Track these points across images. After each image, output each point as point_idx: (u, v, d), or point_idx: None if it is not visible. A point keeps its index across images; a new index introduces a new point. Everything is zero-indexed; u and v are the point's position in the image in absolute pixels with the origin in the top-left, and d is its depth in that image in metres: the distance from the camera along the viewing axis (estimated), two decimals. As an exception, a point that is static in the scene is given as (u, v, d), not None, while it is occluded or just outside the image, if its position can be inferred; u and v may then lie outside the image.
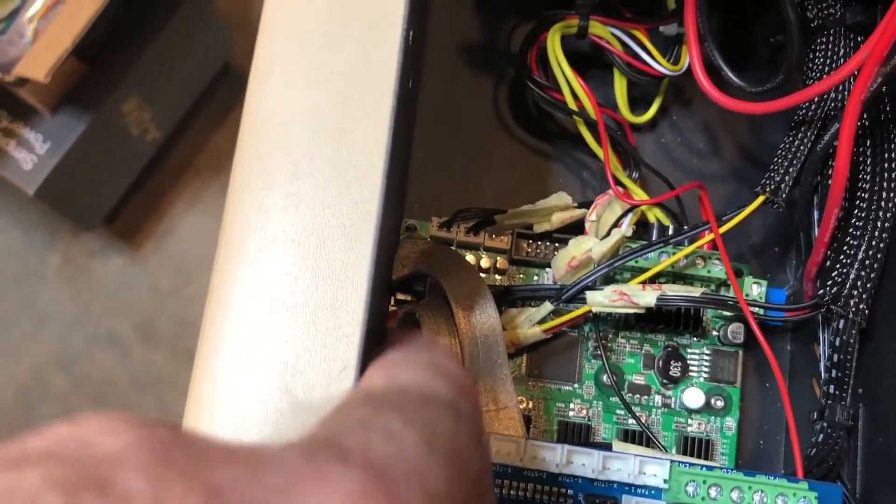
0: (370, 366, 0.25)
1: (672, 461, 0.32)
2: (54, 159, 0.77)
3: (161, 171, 0.96)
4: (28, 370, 0.92)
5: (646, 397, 0.40)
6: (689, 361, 0.40)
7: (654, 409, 0.40)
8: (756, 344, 0.41)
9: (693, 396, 0.40)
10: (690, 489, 0.32)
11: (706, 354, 0.40)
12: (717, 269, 0.39)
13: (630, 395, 0.40)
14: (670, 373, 0.40)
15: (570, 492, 0.33)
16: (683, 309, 0.39)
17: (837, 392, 0.35)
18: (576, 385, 0.40)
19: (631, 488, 0.33)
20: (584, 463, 0.32)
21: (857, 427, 0.36)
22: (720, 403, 0.40)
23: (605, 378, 0.40)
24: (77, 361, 0.93)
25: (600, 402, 0.40)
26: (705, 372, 0.40)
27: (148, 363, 0.94)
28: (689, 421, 0.40)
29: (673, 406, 0.40)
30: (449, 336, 0.34)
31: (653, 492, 0.33)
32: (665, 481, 0.32)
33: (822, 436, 0.36)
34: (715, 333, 0.41)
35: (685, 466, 0.32)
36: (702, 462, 0.33)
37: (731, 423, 0.40)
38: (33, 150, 0.78)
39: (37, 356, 0.93)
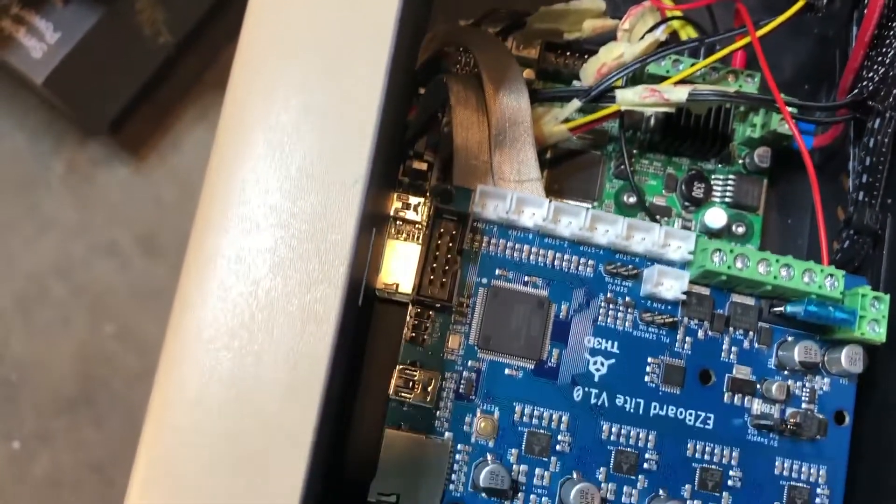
0: None
1: (698, 234, 0.32)
2: (64, 49, 0.76)
3: (169, 84, 0.95)
4: (27, 276, 0.91)
5: (666, 219, 0.39)
6: (712, 184, 0.39)
7: (674, 232, 0.39)
8: (782, 175, 0.40)
9: (715, 216, 0.39)
10: (717, 259, 0.31)
11: (731, 179, 0.40)
12: (750, 85, 0.38)
13: (649, 218, 0.39)
14: (693, 194, 0.39)
15: (590, 262, 0.32)
16: (712, 122, 0.38)
17: (867, 198, 0.35)
18: (595, 203, 0.39)
19: (654, 261, 0.32)
20: (608, 230, 0.31)
21: (884, 237, 0.35)
22: (741, 230, 0.39)
23: (625, 197, 0.39)
24: (76, 269, 0.92)
25: (620, 221, 0.39)
26: (728, 196, 0.39)
27: (148, 275, 0.93)
28: (709, 245, 0.39)
29: (693, 229, 0.39)
30: (477, 110, 0.34)
31: (677, 264, 0.32)
32: (690, 252, 0.31)
33: (847, 242, 0.35)
34: (740, 160, 0.40)
35: (712, 240, 0.31)
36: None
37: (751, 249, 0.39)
38: (43, 38, 0.77)
39: (36, 262, 0.92)
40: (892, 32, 0.34)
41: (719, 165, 0.40)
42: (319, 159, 0.24)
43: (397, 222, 0.38)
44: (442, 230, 0.31)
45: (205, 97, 0.95)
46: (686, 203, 0.39)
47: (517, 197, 0.31)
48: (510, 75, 0.34)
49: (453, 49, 0.35)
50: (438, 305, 0.31)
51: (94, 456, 0.84)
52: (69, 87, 0.79)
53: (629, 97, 0.36)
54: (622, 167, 0.39)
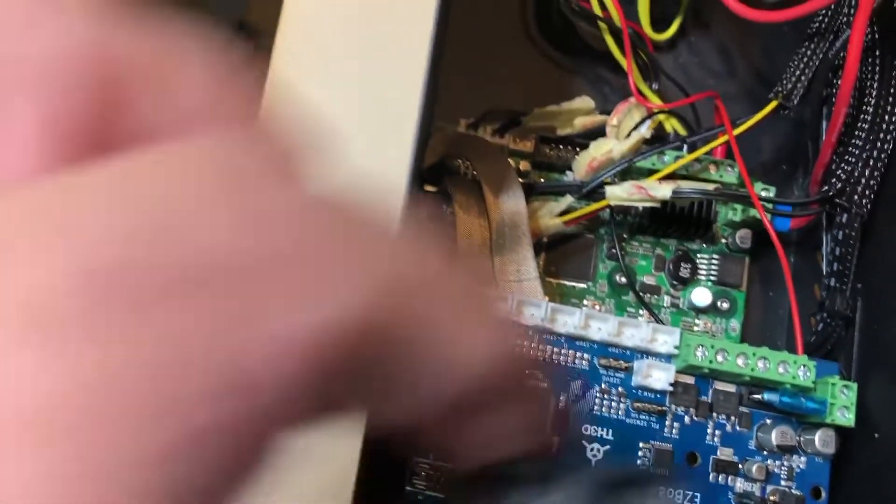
0: None
1: (682, 330, 0.35)
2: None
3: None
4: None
5: (655, 297, 0.42)
6: (698, 264, 0.43)
7: (662, 309, 0.42)
8: (762, 253, 0.43)
9: (701, 295, 0.42)
10: (699, 353, 0.34)
11: (714, 259, 0.43)
12: (730, 175, 0.41)
13: (641, 294, 0.42)
14: (680, 273, 0.42)
15: (585, 356, 0.35)
16: (696, 210, 0.41)
17: (838, 284, 0.38)
18: (590, 283, 0.42)
19: (643, 354, 0.35)
20: (601, 328, 0.35)
21: (854, 319, 0.38)
22: (726, 305, 0.42)
23: (618, 277, 0.42)
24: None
25: (612, 300, 0.42)
26: (713, 275, 0.43)
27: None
28: (696, 321, 0.42)
29: (681, 306, 0.42)
30: (478, 214, 0.37)
31: (664, 358, 0.35)
32: (675, 347, 0.35)
33: (821, 325, 0.38)
34: (724, 241, 0.43)
35: (695, 335, 0.35)
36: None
37: (735, 324, 0.42)
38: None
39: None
40: (857, 133, 0.37)
41: (704, 245, 0.43)
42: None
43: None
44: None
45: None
46: (674, 282, 0.42)
47: (517, 299, 0.34)
48: (507, 182, 0.37)
49: (456, 155, 0.38)
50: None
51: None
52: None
53: (618, 193, 0.39)
54: (613, 250, 0.42)
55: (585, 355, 0.35)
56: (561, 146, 0.43)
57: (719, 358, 0.34)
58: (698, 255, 0.43)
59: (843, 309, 0.38)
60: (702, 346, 0.34)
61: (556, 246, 0.43)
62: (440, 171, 0.40)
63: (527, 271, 0.36)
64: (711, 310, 0.42)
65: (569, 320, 0.35)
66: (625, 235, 0.43)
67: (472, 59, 0.45)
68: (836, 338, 0.38)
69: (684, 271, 0.42)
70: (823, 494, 0.35)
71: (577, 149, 0.42)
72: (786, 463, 0.35)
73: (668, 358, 0.35)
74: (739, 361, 0.34)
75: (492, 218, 0.36)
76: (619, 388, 0.35)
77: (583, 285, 0.42)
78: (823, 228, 0.40)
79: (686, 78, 0.46)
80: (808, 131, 0.41)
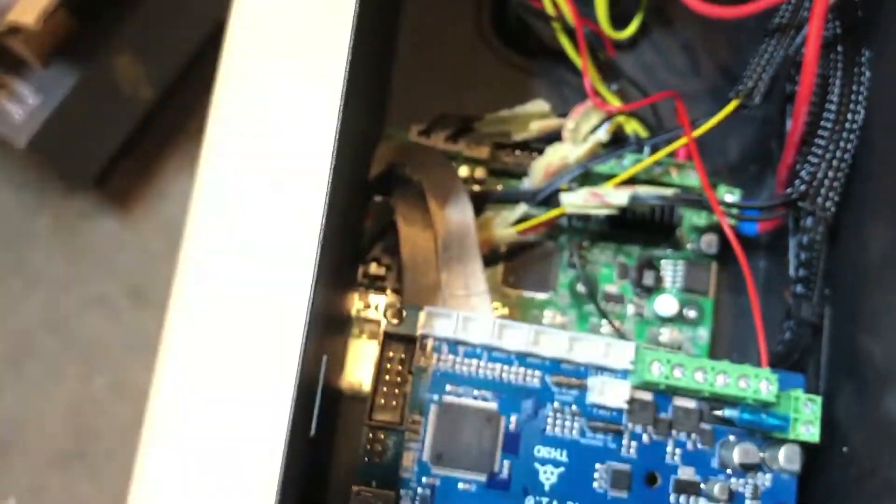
0: None
1: (637, 344, 0.33)
2: (45, 112, 0.78)
3: (153, 134, 0.96)
4: (16, 331, 0.93)
5: (619, 306, 0.41)
6: (662, 272, 0.41)
7: (627, 318, 0.41)
8: (730, 258, 0.42)
9: (666, 303, 0.40)
10: (655, 370, 0.32)
11: (680, 265, 0.41)
12: (692, 179, 0.40)
13: (604, 304, 0.41)
14: (644, 282, 0.40)
15: (537, 373, 0.33)
16: (657, 214, 0.39)
17: (805, 291, 0.36)
18: (551, 293, 0.41)
19: (598, 370, 0.33)
20: (551, 343, 0.33)
21: (822, 326, 0.36)
22: (693, 314, 0.41)
23: (579, 286, 0.40)
24: (66, 323, 0.93)
25: (574, 311, 0.41)
26: (679, 282, 0.41)
27: (139, 325, 0.94)
28: (661, 330, 0.41)
29: (646, 315, 0.41)
30: (423, 227, 0.35)
31: (619, 373, 0.33)
32: (631, 362, 0.33)
33: (788, 333, 0.36)
34: (689, 246, 0.41)
35: (651, 349, 0.33)
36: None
37: (703, 333, 0.41)
38: (24, 102, 0.78)
39: (25, 317, 0.94)
40: (820, 133, 0.36)
41: (669, 251, 0.41)
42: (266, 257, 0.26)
43: (359, 321, 0.39)
44: (392, 353, 0.32)
45: (188, 146, 0.96)
46: (638, 290, 0.41)
47: (463, 316, 0.33)
48: (454, 192, 0.35)
49: (402, 163, 0.36)
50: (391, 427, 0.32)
51: (90, 509, 0.85)
52: (52, 147, 0.80)
53: (574, 200, 0.37)
54: (573, 259, 0.40)
55: (537, 372, 0.33)
56: (517, 151, 0.41)
57: (676, 373, 0.32)
58: (662, 262, 0.41)
59: (810, 316, 0.36)
60: (657, 361, 0.32)
61: (516, 255, 0.41)
62: (388, 181, 0.38)
63: (475, 285, 0.34)
64: (678, 319, 0.41)
65: (518, 336, 0.33)
66: (585, 243, 0.41)
67: (426, 61, 0.44)
68: (804, 346, 0.36)
69: (648, 279, 0.41)
70: (790, 513, 0.33)
71: (534, 154, 0.41)
72: (750, 481, 0.33)
73: (624, 374, 0.33)
74: (698, 376, 0.32)
75: (437, 230, 0.34)
76: (573, 407, 0.33)
77: (544, 296, 0.41)
78: (790, 232, 0.38)
79: (649, 78, 0.44)
80: (773, 130, 0.39)
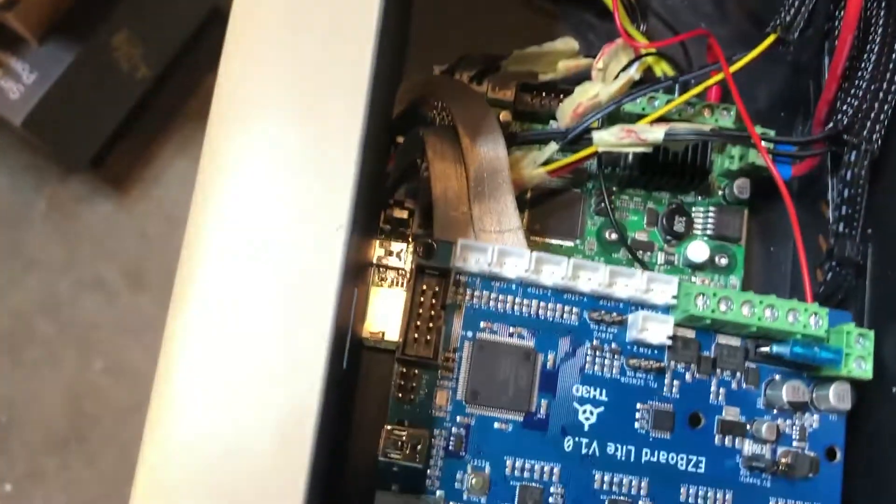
0: None
1: (680, 278, 0.32)
2: (41, 89, 0.76)
3: (149, 115, 0.95)
4: (12, 314, 0.91)
5: (648, 254, 0.39)
6: (693, 218, 0.40)
7: (657, 266, 0.39)
8: (762, 204, 0.40)
9: (697, 250, 0.39)
10: (700, 302, 0.31)
11: (711, 212, 0.40)
12: (725, 119, 0.38)
13: (633, 251, 0.39)
14: (674, 228, 0.39)
15: (575, 309, 0.32)
16: (690, 157, 0.38)
17: (847, 230, 0.35)
18: (577, 241, 0.39)
19: (638, 306, 0.32)
20: (591, 278, 0.31)
21: (866, 267, 0.35)
22: (724, 261, 0.39)
23: (607, 234, 0.39)
24: (63, 306, 0.92)
25: (601, 258, 0.39)
26: (710, 228, 0.39)
27: (135, 308, 0.92)
28: (693, 279, 0.39)
29: (676, 263, 0.39)
30: (454, 162, 0.34)
31: (661, 309, 0.32)
32: (674, 297, 0.31)
33: (830, 274, 0.35)
34: (720, 191, 0.40)
35: (694, 284, 0.31)
36: (710, 287, 0.32)
37: (734, 281, 0.39)
38: (20, 79, 0.77)
39: (22, 300, 0.92)
40: (863, 65, 0.34)
41: (699, 198, 0.40)
42: (300, 206, 0.24)
43: (381, 269, 0.38)
44: (425, 286, 0.31)
45: (186, 128, 0.95)
46: (668, 237, 0.39)
47: (499, 249, 0.31)
48: (486, 125, 0.34)
49: (429, 99, 0.35)
50: (424, 363, 0.31)
51: (87, 494, 0.83)
52: (48, 126, 0.78)
53: (606, 138, 0.36)
54: (602, 205, 0.39)
55: (574, 309, 0.32)
56: (544, 93, 0.39)
57: (722, 307, 0.31)
58: (693, 208, 0.40)
59: (854, 256, 0.34)
60: (702, 294, 0.31)
61: (541, 202, 0.40)
62: (411, 120, 0.37)
63: (508, 220, 0.33)
64: (708, 266, 0.39)
65: (555, 271, 0.31)
66: (614, 189, 0.40)
67: (447, 2, 0.42)
68: (847, 287, 0.35)
69: (679, 225, 0.39)
70: (839, 455, 0.32)
71: (561, 95, 0.39)
72: (797, 422, 0.32)
73: (666, 309, 0.32)
74: (745, 310, 0.31)
75: (469, 164, 0.33)
76: (613, 345, 0.32)
77: (570, 243, 0.39)
78: (829, 172, 0.37)
79: (675, 20, 0.43)
80: (809, 70, 0.38)
